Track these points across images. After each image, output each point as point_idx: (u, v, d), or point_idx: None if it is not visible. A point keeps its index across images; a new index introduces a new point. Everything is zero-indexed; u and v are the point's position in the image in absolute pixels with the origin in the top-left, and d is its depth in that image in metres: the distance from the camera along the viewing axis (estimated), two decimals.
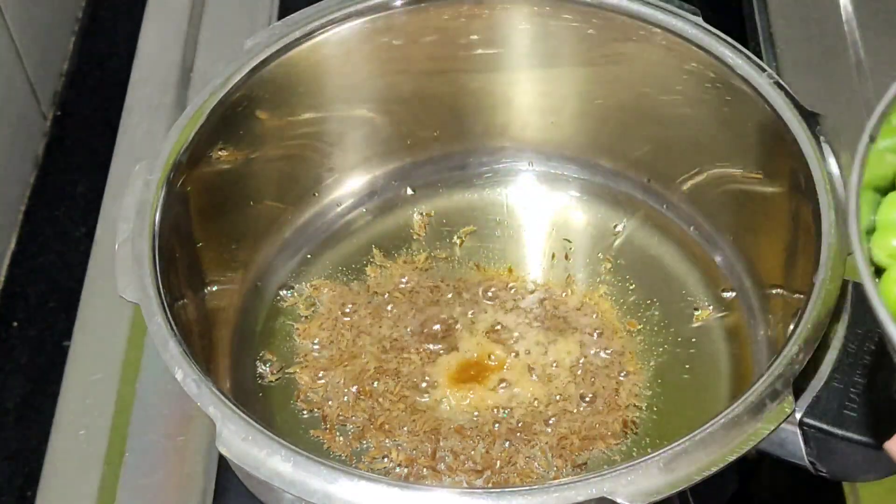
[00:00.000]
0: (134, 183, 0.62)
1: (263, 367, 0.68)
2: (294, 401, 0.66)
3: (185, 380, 0.55)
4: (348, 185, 0.74)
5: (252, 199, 0.70)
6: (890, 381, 0.54)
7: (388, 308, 0.69)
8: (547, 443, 0.63)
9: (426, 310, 0.69)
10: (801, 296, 0.57)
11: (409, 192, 0.75)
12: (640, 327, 0.68)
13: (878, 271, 0.44)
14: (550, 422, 0.64)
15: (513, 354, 0.67)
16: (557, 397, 0.65)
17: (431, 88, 0.73)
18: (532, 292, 0.70)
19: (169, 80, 0.85)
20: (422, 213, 0.74)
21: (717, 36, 0.66)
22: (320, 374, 0.67)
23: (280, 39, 0.68)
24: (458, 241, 0.73)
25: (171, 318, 0.57)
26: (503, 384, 0.66)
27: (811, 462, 0.55)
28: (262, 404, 0.66)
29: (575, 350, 0.67)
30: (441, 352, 0.67)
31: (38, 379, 0.74)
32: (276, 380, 0.67)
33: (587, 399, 0.65)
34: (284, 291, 0.71)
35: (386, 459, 0.63)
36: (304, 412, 0.66)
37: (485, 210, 0.74)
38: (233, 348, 0.68)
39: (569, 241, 0.72)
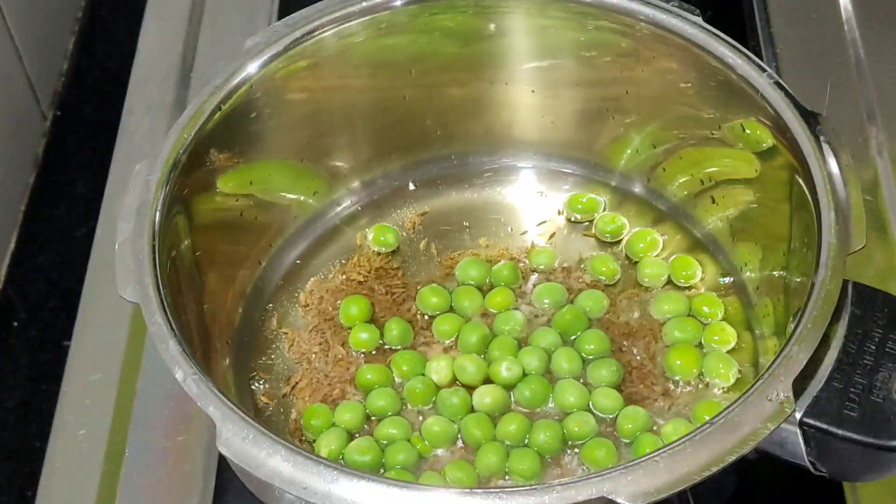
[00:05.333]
0: (134, 183, 0.62)
1: (261, 371, 0.68)
2: (293, 407, 0.66)
3: (185, 380, 0.55)
4: (348, 185, 0.74)
5: (252, 198, 0.70)
6: (890, 381, 0.55)
7: (387, 307, 0.69)
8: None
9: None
10: (801, 296, 0.57)
11: (410, 191, 0.75)
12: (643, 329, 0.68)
13: None
14: (556, 415, 0.64)
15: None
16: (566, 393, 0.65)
17: (432, 88, 0.73)
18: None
19: (169, 80, 0.85)
20: (422, 213, 0.74)
21: (717, 36, 0.66)
22: (320, 375, 0.67)
23: (280, 39, 0.68)
24: (456, 241, 0.73)
25: (171, 318, 0.57)
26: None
27: (811, 462, 0.55)
28: (261, 403, 0.66)
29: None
30: (441, 349, 0.67)
31: (38, 379, 0.75)
32: (275, 399, 0.67)
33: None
34: (284, 290, 0.71)
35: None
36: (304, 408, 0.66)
37: (484, 209, 0.74)
38: (233, 347, 0.68)
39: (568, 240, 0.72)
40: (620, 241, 0.72)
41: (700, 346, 0.67)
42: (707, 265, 0.71)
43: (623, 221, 0.72)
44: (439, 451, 0.63)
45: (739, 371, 0.65)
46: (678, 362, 0.65)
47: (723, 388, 0.65)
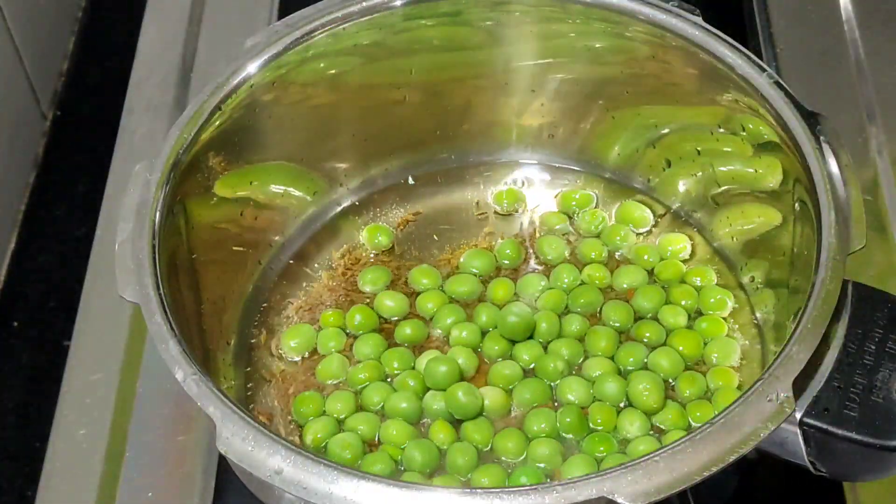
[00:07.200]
0: (134, 183, 0.62)
1: (260, 370, 0.68)
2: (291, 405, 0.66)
3: (185, 380, 0.55)
4: (348, 185, 0.74)
5: (252, 199, 0.70)
6: (890, 380, 0.55)
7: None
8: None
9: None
10: (801, 296, 0.57)
11: (409, 191, 0.75)
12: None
13: None
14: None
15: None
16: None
17: (432, 87, 0.73)
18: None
19: (169, 80, 0.85)
20: (421, 213, 0.74)
21: (717, 36, 0.66)
22: (318, 374, 0.67)
23: (280, 39, 0.68)
24: (456, 240, 0.73)
25: (171, 318, 0.57)
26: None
27: (811, 462, 0.55)
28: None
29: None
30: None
31: (38, 379, 0.75)
32: (274, 399, 0.67)
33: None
34: (283, 290, 0.71)
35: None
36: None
37: (484, 208, 0.74)
38: (233, 347, 0.68)
39: (570, 241, 0.72)
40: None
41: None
42: (706, 264, 0.71)
43: (604, 216, 0.72)
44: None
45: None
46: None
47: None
